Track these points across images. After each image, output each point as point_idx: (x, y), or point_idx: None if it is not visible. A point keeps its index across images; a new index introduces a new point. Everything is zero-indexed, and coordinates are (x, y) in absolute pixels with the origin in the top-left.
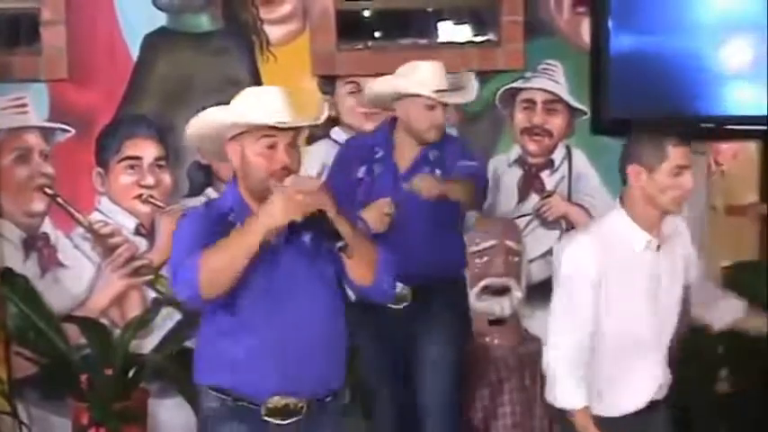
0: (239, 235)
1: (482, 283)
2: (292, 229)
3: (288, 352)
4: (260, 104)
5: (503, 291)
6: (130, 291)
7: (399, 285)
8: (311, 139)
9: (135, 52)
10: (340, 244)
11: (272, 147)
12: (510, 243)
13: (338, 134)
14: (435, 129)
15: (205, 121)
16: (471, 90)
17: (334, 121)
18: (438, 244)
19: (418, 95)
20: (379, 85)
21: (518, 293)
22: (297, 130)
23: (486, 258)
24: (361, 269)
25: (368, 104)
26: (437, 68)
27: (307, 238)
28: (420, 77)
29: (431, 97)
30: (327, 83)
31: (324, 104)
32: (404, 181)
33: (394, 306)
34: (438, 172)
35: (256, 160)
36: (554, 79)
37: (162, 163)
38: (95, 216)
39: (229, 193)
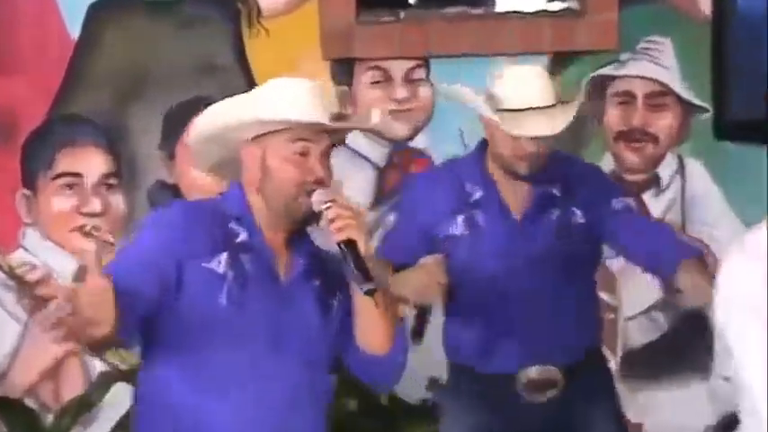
0: None
1: None
2: (305, 269)
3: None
4: (292, 99)
5: None
6: (69, 360)
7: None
8: None
9: (75, 28)
10: (368, 286)
11: (304, 153)
12: (602, 295)
13: (356, 140)
14: (526, 158)
15: (218, 117)
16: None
17: None
18: (573, 312)
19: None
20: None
21: (612, 364)
22: (334, 135)
23: None
24: (378, 332)
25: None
26: (533, 71)
27: (316, 283)
28: (506, 78)
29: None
30: (343, 69)
31: (377, 112)
32: (520, 232)
33: (533, 398)
34: (579, 215)
35: (284, 168)
36: (660, 63)
37: (112, 181)
38: (19, 256)
39: (234, 198)
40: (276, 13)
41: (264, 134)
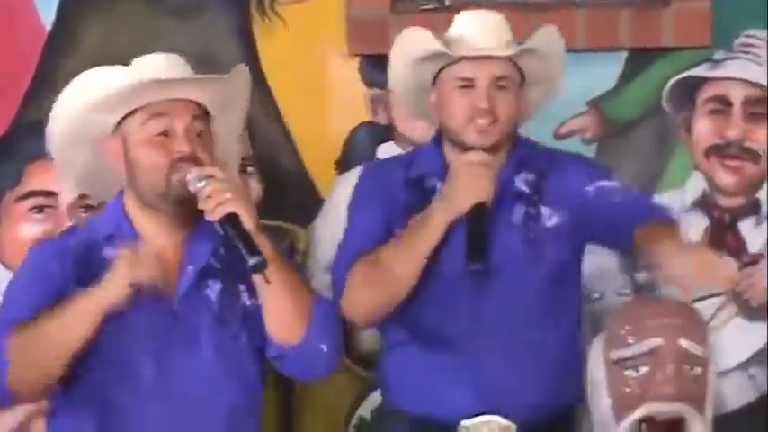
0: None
1: (638, 413)
2: (198, 278)
3: None
4: (139, 63)
5: (674, 426)
6: (35, 421)
7: (499, 419)
8: (346, 164)
9: (49, 16)
10: (254, 260)
11: (165, 133)
12: (686, 343)
13: (389, 154)
14: (480, 123)
15: (72, 106)
16: (548, 53)
17: (384, 133)
18: (548, 348)
19: (450, 64)
20: (393, 52)
21: (699, 430)
22: (200, 109)
23: (644, 370)
24: (285, 316)
25: (397, 97)
26: (489, 21)
27: (214, 290)
28: (454, 32)
29: (463, 56)
30: (375, 67)
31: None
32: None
33: None
34: (546, 212)
35: (146, 152)
36: (762, 63)
37: (91, 201)
38: None
39: (108, 217)
40: None
41: (122, 122)
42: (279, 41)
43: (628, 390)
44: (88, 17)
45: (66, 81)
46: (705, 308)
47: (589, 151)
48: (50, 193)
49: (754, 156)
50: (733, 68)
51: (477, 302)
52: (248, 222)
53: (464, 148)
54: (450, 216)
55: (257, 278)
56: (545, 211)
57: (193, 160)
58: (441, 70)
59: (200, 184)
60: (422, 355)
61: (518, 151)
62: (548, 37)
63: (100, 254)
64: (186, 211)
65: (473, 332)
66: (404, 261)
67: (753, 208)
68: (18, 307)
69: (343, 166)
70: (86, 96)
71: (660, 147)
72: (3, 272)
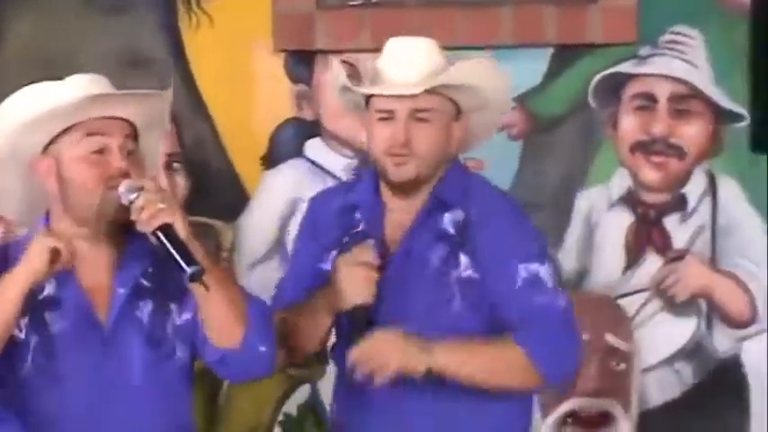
0: None
1: (563, 408)
2: (129, 300)
3: None
4: (67, 83)
5: (599, 420)
6: None
7: None
8: (272, 160)
9: None
10: (192, 269)
11: (100, 151)
12: (610, 339)
13: (317, 150)
14: (394, 155)
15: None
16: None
17: (310, 129)
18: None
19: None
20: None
21: (625, 425)
22: (131, 127)
23: None
24: (224, 321)
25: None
26: (416, 48)
27: (145, 312)
28: (380, 62)
29: (376, 94)
30: (300, 63)
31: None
32: (394, 275)
33: None
34: (464, 261)
35: (80, 169)
36: (687, 59)
37: None
38: None
39: (28, 238)
40: None
41: (55, 140)
42: (205, 37)
43: None
44: (14, 12)
45: None
46: (630, 304)
47: (515, 147)
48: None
49: (679, 152)
50: (658, 65)
51: None
52: (182, 231)
53: (386, 179)
54: (334, 312)
55: (194, 287)
56: (463, 259)
57: (127, 177)
58: (368, 99)
59: (132, 196)
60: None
61: (447, 186)
62: (471, 69)
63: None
64: (116, 230)
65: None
66: (303, 338)
67: (678, 204)
68: None
69: (269, 161)
70: (18, 116)
71: (586, 143)
72: None
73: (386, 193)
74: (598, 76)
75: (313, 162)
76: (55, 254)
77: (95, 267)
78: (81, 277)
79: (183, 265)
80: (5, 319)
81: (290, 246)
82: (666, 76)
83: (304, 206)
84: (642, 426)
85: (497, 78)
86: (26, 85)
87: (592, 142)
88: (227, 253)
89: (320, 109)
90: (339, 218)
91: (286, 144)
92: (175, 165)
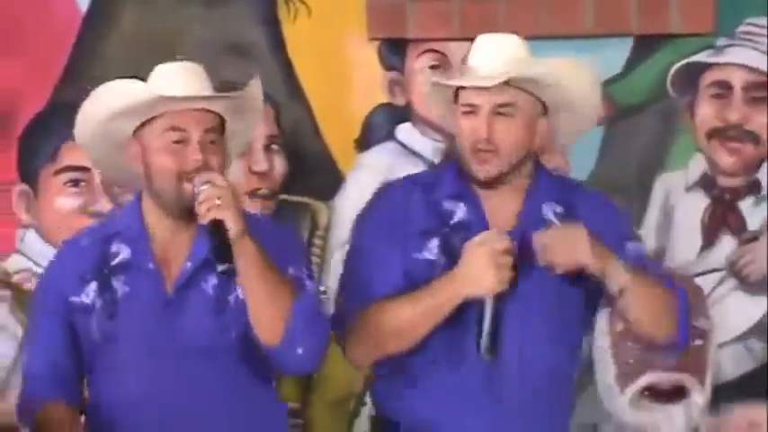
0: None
1: (641, 382)
2: (195, 272)
3: None
4: (161, 76)
5: (675, 394)
6: None
7: None
8: (365, 143)
9: (83, 1)
10: (222, 268)
11: (181, 141)
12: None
13: (407, 134)
14: (479, 152)
15: (99, 105)
16: (555, 81)
17: (402, 114)
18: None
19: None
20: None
21: (699, 398)
22: (214, 117)
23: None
24: (265, 319)
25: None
26: (502, 43)
27: (210, 284)
28: (470, 57)
29: (461, 85)
30: (393, 51)
31: (257, 82)
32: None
33: None
34: None
35: (161, 158)
36: (763, 50)
37: None
38: (15, 261)
39: (126, 212)
40: None
41: (142, 127)
42: (303, 27)
43: (631, 360)
44: (123, 1)
45: (101, 62)
46: (706, 282)
47: (597, 133)
48: (84, 169)
49: (753, 138)
50: (734, 55)
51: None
52: (232, 228)
53: (471, 175)
54: (466, 297)
55: (243, 286)
56: None
57: (204, 168)
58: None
59: (200, 188)
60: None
61: (542, 181)
62: (554, 66)
63: (108, 247)
64: (195, 213)
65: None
66: (412, 326)
67: (752, 188)
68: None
69: (362, 144)
70: (108, 106)
71: (665, 129)
72: (39, 242)
73: (478, 188)
74: (676, 66)
75: (404, 145)
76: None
77: (172, 241)
78: (156, 248)
79: (217, 261)
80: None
81: None
82: (742, 66)
83: None
84: (715, 399)
85: (584, 77)
86: (133, 67)
87: (670, 129)
88: (323, 231)
89: (411, 95)
90: (430, 209)
91: (378, 128)
92: (274, 146)
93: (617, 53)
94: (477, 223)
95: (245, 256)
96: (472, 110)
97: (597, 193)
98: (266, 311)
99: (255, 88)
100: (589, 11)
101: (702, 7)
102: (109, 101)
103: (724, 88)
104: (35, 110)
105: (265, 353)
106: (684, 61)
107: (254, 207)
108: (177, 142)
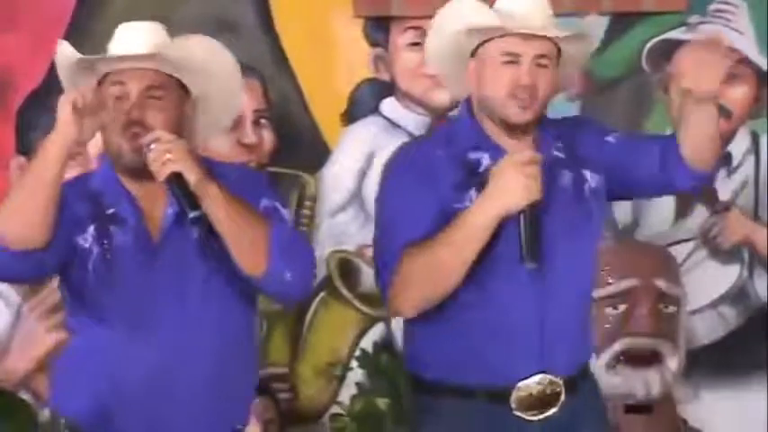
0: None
1: (616, 347)
2: (177, 218)
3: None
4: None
5: (649, 359)
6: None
7: (542, 377)
8: (351, 117)
9: None
10: (193, 214)
11: (120, 97)
12: (661, 283)
13: (392, 108)
14: (520, 99)
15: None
16: (591, 38)
17: (386, 89)
18: (579, 308)
19: (495, 37)
20: (441, 19)
21: (673, 363)
22: (161, 74)
23: (623, 308)
24: (244, 251)
25: (430, 62)
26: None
27: (192, 230)
28: (503, 7)
29: (513, 31)
30: (377, 28)
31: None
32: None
33: (529, 417)
34: (588, 175)
35: (104, 115)
36: (734, 27)
37: None
38: None
39: (101, 173)
40: None
41: (100, 83)
42: (290, 4)
43: (607, 326)
44: None
45: (95, 40)
46: (679, 251)
47: (574, 107)
48: (82, 143)
49: (725, 113)
50: (707, 32)
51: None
52: (191, 177)
53: (502, 123)
54: (499, 215)
55: (215, 222)
56: (585, 173)
57: (140, 123)
58: (484, 42)
59: (149, 149)
60: (472, 328)
61: (544, 124)
62: (591, 23)
63: (101, 198)
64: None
65: (523, 302)
66: (451, 259)
67: (724, 160)
68: None
69: (348, 118)
70: (74, 57)
71: (640, 103)
72: None
73: (499, 135)
74: (651, 42)
75: (388, 119)
76: (77, 108)
77: (146, 196)
78: (139, 200)
79: (187, 210)
80: (52, 177)
81: (368, 196)
82: None
83: (379, 160)
84: (689, 363)
85: (599, 33)
86: None
87: (645, 103)
88: (310, 202)
89: (395, 70)
90: (456, 162)
91: (364, 102)
92: (262, 120)
93: (593, 30)
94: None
95: (211, 198)
96: (513, 59)
97: (573, 118)
98: (244, 245)
99: (203, 43)
100: None
101: None
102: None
103: None
104: (32, 85)
105: (255, 286)
106: (659, 38)
107: None
108: (118, 98)
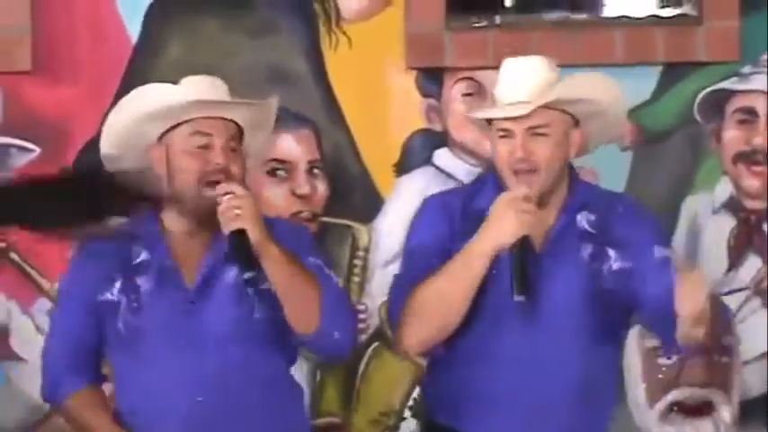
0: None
1: (669, 398)
2: (215, 266)
3: None
4: (188, 84)
5: (703, 409)
6: None
7: None
8: (404, 167)
9: (134, 29)
10: (247, 275)
11: (206, 146)
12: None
13: (444, 158)
14: (519, 173)
15: (125, 113)
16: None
17: (439, 139)
18: (591, 379)
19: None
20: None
21: (726, 414)
22: (236, 127)
23: (675, 358)
24: (297, 310)
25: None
26: (528, 67)
27: (230, 275)
28: (498, 84)
29: (495, 117)
30: (430, 79)
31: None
32: (543, 271)
33: None
34: (612, 254)
35: (186, 161)
36: None
37: None
38: None
39: (146, 218)
40: (357, 17)
41: (168, 132)
42: (344, 56)
43: (661, 376)
44: (171, 32)
45: None
46: (732, 301)
47: (626, 157)
48: None
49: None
50: (759, 82)
51: (526, 336)
52: (254, 236)
53: None
54: (493, 249)
55: (273, 282)
56: (611, 253)
57: (225, 172)
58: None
59: (222, 199)
60: (466, 376)
61: (577, 192)
62: (581, 81)
63: (129, 249)
64: (213, 216)
65: (520, 357)
66: (451, 289)
67: None
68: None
69: (401, 168)
70: (136, 109)
71: (692, 154)
72: None
73: None
74: (703, 93)
75: (441, 169)
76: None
77: (189, 240)
78: (173, 247)
79: (241, 269)
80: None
81: None
82: (766, 92)
83: None
84: (742, 414)
85: (608, 86)
86: None
87: (697, 153)
88: (363, 252)
89: (448, 121)
90: (466, 217)
91: (416, 153)
92: (316, 170)
93: (645, 81)
94: None
95: (271, 260)
96: (507, 134)
97: (630, 197)
98: (300, 304)
99: (272, 102)
100: (619, 40)
101: (728, 36)
102: (140, 103)
103: (749, 114)
104: (90, 133)
105: (304, 343)
106: (711, 88)
107: None
108: (202, 147)
